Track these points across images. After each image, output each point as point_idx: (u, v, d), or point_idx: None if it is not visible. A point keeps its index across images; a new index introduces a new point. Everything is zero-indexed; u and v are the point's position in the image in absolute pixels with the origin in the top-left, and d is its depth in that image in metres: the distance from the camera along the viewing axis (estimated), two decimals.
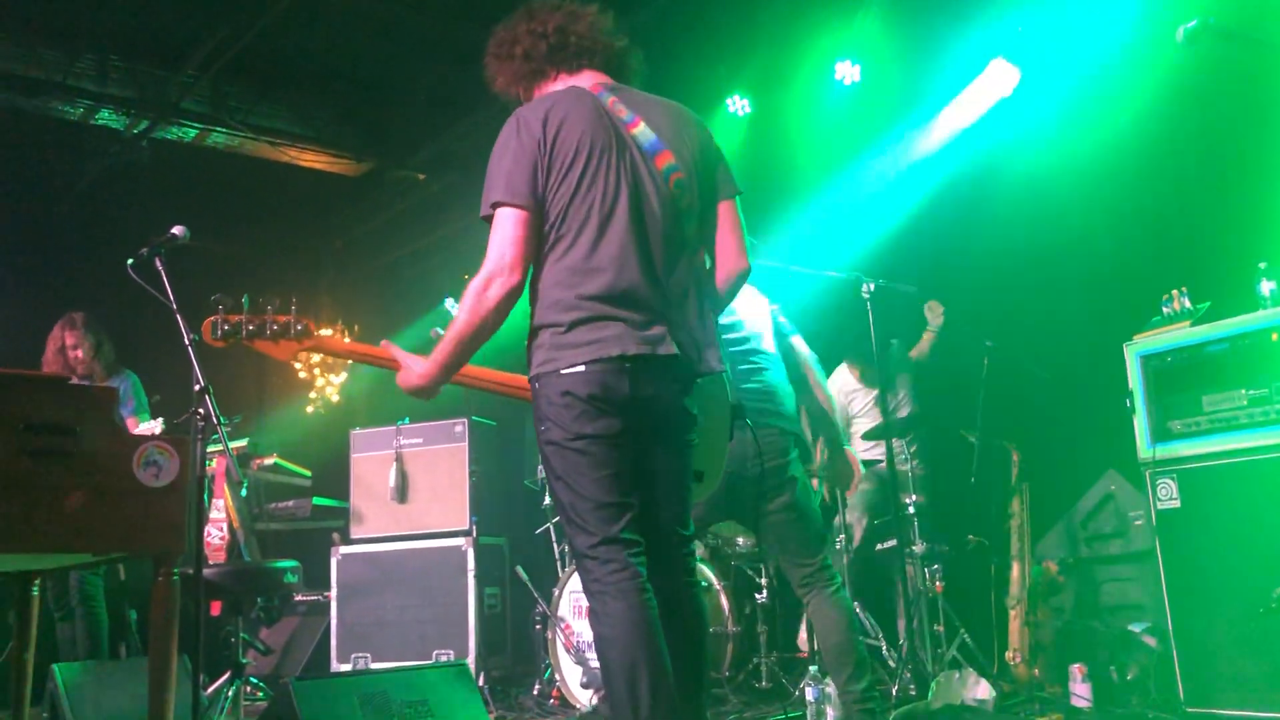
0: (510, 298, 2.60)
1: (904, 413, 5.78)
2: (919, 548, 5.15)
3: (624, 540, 2.57)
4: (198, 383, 3.46)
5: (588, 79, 2.85)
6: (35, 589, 3.26)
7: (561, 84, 2.85)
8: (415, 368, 2.73)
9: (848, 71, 6.41)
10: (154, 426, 4.95)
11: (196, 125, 7.57)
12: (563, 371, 2.57)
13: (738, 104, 6.95)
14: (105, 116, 7.39)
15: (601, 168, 2.67)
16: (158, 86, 7.24)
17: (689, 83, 6.99)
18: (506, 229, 2.60)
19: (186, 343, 3.56)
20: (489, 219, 2.65)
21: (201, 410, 3.52)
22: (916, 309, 5.85)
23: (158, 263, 3.73)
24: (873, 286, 4.84)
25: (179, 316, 3.60)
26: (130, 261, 3.66)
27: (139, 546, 2.72)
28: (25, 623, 3.25)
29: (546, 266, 2.64)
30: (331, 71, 7.58)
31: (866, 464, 5.66)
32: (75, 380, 5.07)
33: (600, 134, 2.70)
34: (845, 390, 5.98)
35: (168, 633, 2.75)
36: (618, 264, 2.62)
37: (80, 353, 5.31)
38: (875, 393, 5.76)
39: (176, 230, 3.83)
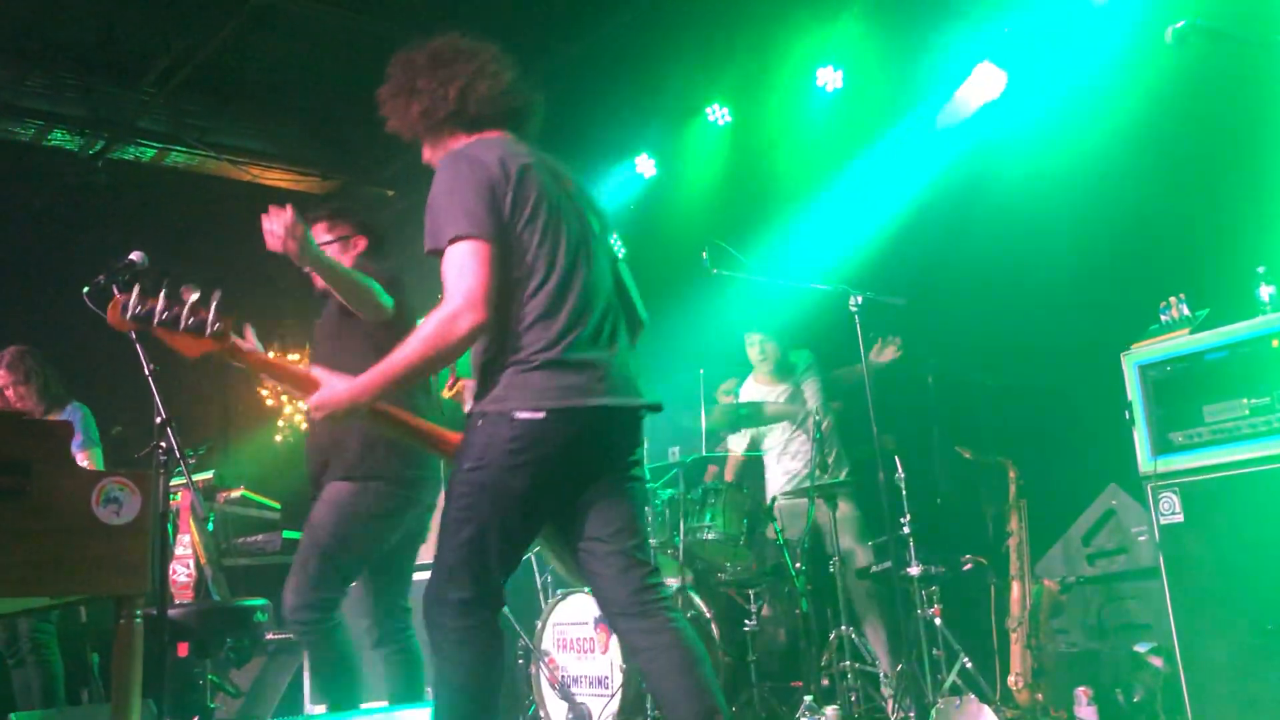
0: (476, 334, 2.63)
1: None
2: (914, 569, 5.13)
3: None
4: (159, 415, 3.42)
5: (490, 136, 2.91)
6: None
7: (461, 141, 2.91)
8: (338, 385, 2.71)
9: (830, 78, 6.44)
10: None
11: (155, 145, 7.55)
12: (517, 415, 2.63)
13: (718, 113, 6.97)
14: (59, 137, 7.35)
15: (561, 215, 2.79)
16: (113, 105, 7.21)
17: (666, 92, 7.02)
18: (471, 263, 2.62)
19: (147, 373, 3.53)
20: (438, 253, 2.68)
21: (164, 443, 3.48)
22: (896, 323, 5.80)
23: (115, 290, 3.69)
24: (860, 299, 4.85)
25: (139, 346, 3.56)
26: (86, 290, 3.62)
27: (99, 588, 2.68)
28: None
29: (510, 306, 2.69)
30: (293, 85, 7.56)
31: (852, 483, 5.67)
32: None
33: (554, 184, 2.83)
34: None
35: (130, 677, 2.71)
36: (581, 312, 2.73)
37: (11, 392, 5.18)
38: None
39: (134, 256, 3.79)
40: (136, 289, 2.68)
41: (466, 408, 2.78)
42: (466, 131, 2.92)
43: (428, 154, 3.02)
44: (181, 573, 5.51)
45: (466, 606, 2.64)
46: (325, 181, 8.34)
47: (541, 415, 2.61)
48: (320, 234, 4.03)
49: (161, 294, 2.71)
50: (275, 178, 8.17)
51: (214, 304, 2.71)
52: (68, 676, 5.28)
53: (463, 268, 2.61)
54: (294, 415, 9.15)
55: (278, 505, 7.04)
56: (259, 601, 4.52)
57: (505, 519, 2.65)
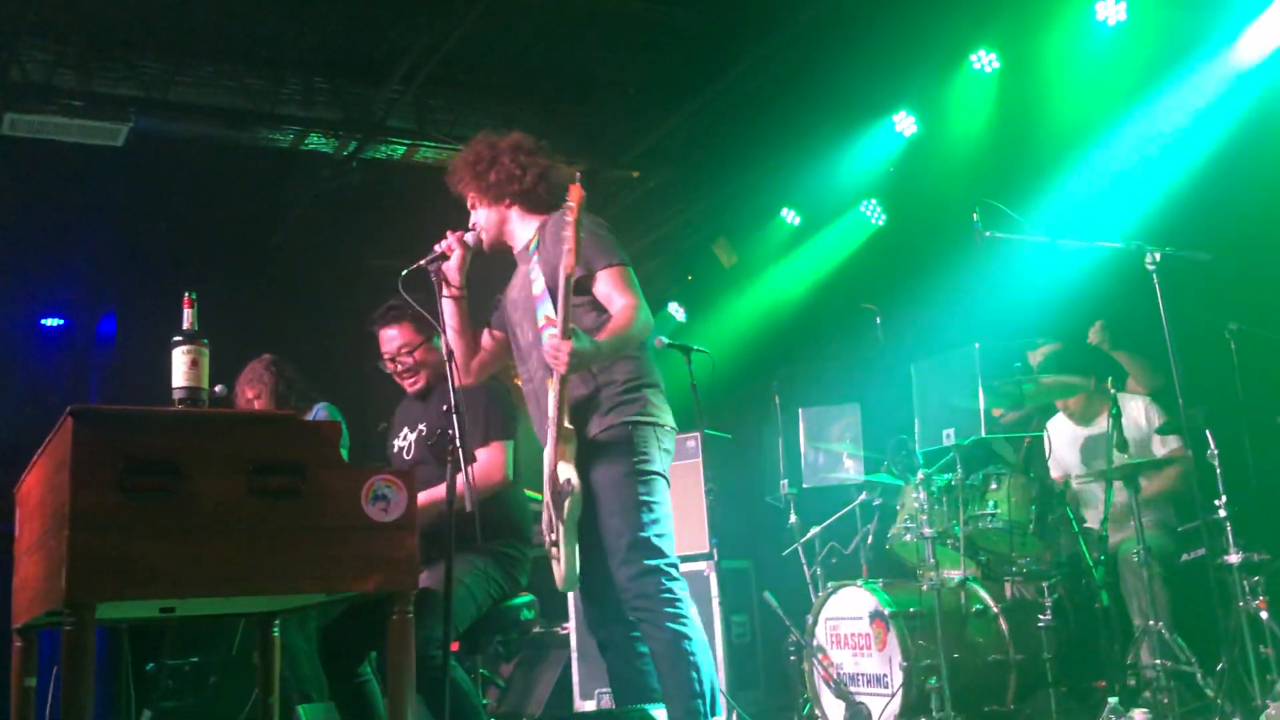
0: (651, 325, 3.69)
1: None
2: (1233, 558, 4.80)
3: None
4: (447, 404, 3.54)
5: (542, 217, 3.82)
6: (276, 630, 3.49)
7: (516, 212, 3.83)
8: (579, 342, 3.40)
9: (1111, 10, 6.08)
10: None
11: (404, 141, 7.96)
12: (663, 424, 3.64)
13: (983, 60, 6.72)
14: (314, 141, 7.87)
15: None
16: (363, 105, 7.66)
17: (925, 41, 6.83)
18: (636, 285, 3.61)
19: (444, 357, 3.66)
20: (592, 276, 3.56)
21: (452, 431, 3.55)
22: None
23: (431, 277, 3.82)
24: (1158, 256, 4.57)
25: (443, 337, 3.72)
26: (404, 273, 3.78)
27: (373, 584, 2.85)
28: (268, 665, 3.47)
29: None
30: (534, 73, 7.81)
31: (1161, 461, 5.35)
32: None
33: None
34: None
35: (405, 674, 2.88)
36: None
37: (260, 404, 5.45)
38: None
39: (469, 236, 3.89)
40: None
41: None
42: (522, 206, 3.81)
43: (483, 216, 3.85)
44: None
45: (671, 569, 3.51)
46: (570, 166, 8.57)
47: (669, 428, 3.67)
48: (407, 336, 4.41)
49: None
50: None
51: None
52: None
53: (633, 288, 3.59)
54: None
55: (541, 496, 7.32)
56: (525, 598, 4.70)
57: (665, 504, 3.57)
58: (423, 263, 3.79)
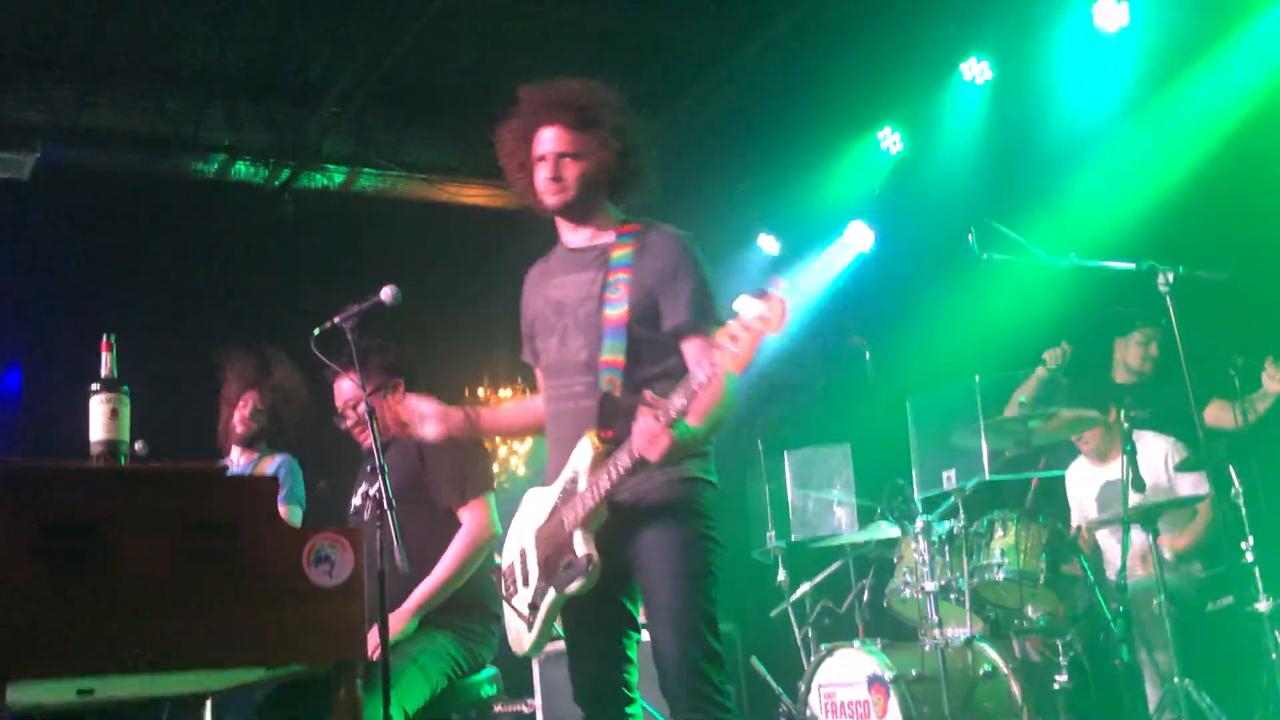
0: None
1: None
2: (1263, 605, 4.83)
3: None
4: (371, 463, 3.55)
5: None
6: (208, 713, 3.43)
7: (603, 202, 3.52)
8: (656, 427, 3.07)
9: (1111, 12, 6.18)
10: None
11: (343, 168, 7.95)
12: (716, 486, 3.43)
13: (975, 69, 6.80)
14: (242, 169, 7.85)
15: None
16: (296, 129, 7.64)
17: (912, 52, 6.90)
18: None
19: (364, 414, 3.65)
20: (691, 326, 3.32)
21: (374, 492, 3.60)
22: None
23: (348, 333, 3.80)
24: (1172, 276, 4.62)
25: (367, 399, 3.72)
26: (316, 332, 3.76)
27: (318, 655, 2.81)
28: None
29: None
30: (483, 92, 7.82)
31: (1183, 501, 5.38)
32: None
33: None
34: None
35: None
36: None
37: (243, 429, 5.44)
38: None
39: (385, 295, 3.78)
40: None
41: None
42: (618, 195, 3.55)
43: (575, 169, 3.44)
44: None
45: (721, 656, 3.27)
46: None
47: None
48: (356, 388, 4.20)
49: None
50: (472, 194, 8.46)
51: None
52: None
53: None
54: (509, 458, 9.44)
55: (498, 560, 7.27)
56: (487, 672, 4.65)
57: (719, 572, 3.36)
58: (337, 320, 3.78)
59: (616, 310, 3.35)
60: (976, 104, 6.92)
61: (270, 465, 5.37)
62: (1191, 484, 5.49)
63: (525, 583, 3.47)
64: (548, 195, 3.43)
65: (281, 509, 5.36)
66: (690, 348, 3.33)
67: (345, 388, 4.46)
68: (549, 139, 3.44)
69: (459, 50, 7.34)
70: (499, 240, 9.44)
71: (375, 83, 7.23)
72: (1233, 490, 4.74)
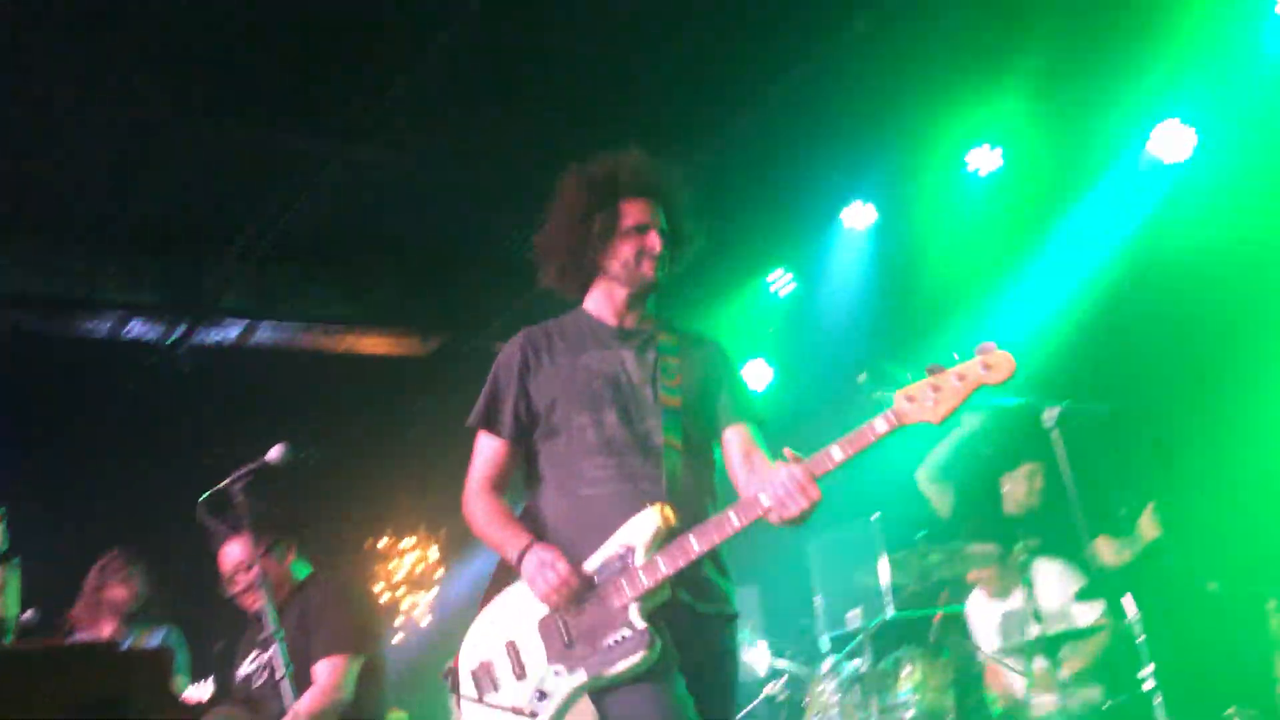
0: None
1: None
2: None
3: None
4: (265, 630, 3.50)
5: None
6: None
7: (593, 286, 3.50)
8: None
9: (984, 159, 6.44)
10: (202, 691, 4.91)
11: (241, 321, 7.90)
12: None
13: (859, 213, 7.03)
14: (138, 327, 7.75)
15: None
16: (193, 285, 7.60)
17: (800, 196, 7.09)
18: None
19: (255, 578, 3.61)
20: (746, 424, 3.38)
21: (267, 657, 3.54)
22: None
23: (239, 496, 3.78)
24: (1057, 411, 4.71)
25: (260, 559, 3.68)
26: (204, 498, 3.73)
27: None
28: None
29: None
30: (385, 242, 7.88)
31: (1083, 632, 5.45)
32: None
33: None
34: None
35: None
36: None
37: (113, 616, 5.31)
38: None
39: (272, 455, 3.78)
40: None
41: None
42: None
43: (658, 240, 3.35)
44: None
45: None
46: (426, 343, 8.61)
47: None
48: (245, 552, 4.15)
49: None
50: (373, 344, 8.47)
51: None
52: None
53: None
54: (414, 609, 9.29)
55: (405, 716, 7.08)
56: None
57: None
58: (224, 484, 3.76)
59: (674, 396, 3.29)
60: (862, 245, 7.12)
61: (152, 639, 5.24)
62: (1090, 612, 5.56)
63: (520, 675, 3.16)
64: (650, 268, 3.33)
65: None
66: (738, 435, 3.37)
67: (233, 552, 4.36)
68: (655, 212, 3.39)
69: (357, 204, 7.37)
70: (399, 389, 9.44)
71: (276, 235, 7.22)
72: (1125, 618, 4.80)
